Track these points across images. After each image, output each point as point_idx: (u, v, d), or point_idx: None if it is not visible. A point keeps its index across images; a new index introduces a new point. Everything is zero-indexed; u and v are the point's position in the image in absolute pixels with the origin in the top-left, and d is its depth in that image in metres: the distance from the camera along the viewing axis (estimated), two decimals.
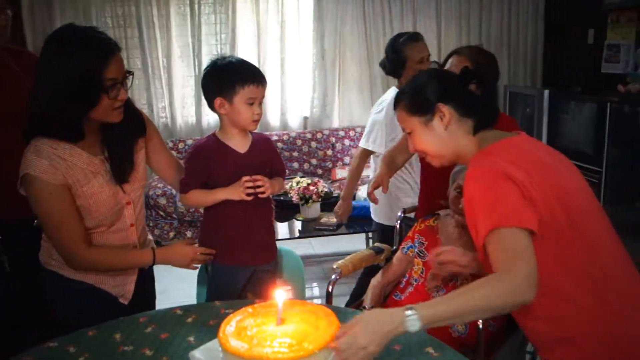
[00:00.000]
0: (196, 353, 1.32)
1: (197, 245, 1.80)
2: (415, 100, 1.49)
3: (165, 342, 1.48)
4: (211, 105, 1.89)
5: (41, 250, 1.70)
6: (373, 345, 1.17)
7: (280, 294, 1.34)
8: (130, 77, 1.55)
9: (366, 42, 5.22)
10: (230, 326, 1.31)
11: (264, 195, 1.90)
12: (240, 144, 1.94)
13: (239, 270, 2.00)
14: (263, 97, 1.88)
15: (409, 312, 1.18)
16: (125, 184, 1.68)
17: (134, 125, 1.70)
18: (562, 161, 1.46)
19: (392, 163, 2.36)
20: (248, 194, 1.85)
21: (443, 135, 1.48)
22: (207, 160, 1.92)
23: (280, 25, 5.09)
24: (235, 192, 1.86)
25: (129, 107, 1.63)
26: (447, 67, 2.18)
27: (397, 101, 1.54)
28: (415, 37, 2.86)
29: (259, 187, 1.87)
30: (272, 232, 2.10)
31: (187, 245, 1.73)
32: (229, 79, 1.84)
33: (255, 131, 2.00)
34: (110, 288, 1.72)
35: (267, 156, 2.00)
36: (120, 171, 1.64)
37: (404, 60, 2.81)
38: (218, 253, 1.99)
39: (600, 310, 1.32)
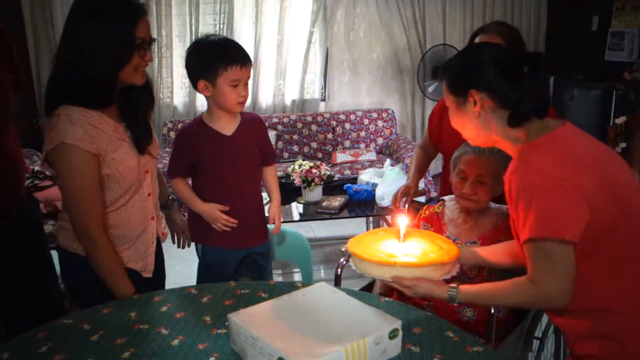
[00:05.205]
0: (233, 316, 1.31)
1: None
2: (453, 80, 1.45)
3: (180, 321, 1.47)
4: (195, 87, 1.84)
5: (62, 233, 1.67)
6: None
7: (402, 217, 1.55)
8: (154, 43, 1.59)
9: (370, 26, 5.16)
10: (355, 242, 1.53)
11: (275, 232, 2.08)
12: (226, 126, 1.90)
13: (229, 253, 1.98)
14: (248, 78, 1.82)
15: (452, 289, 1.42)
16: (144, 153, 1.68)
17: (147, 95, 1.70)
18: (611, 154, 1.42)
19: (423, 165, 2.44)
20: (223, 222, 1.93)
21: (474, 120, 1.42)
22: (190, 144, 1.89)
23: (279, 3, 5.00)
24: (212, 220, 1.90)
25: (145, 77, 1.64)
26: None
27: (443, 73, 1.49)
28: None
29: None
30: (261, 214, 2.07)
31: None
32: (210, 60, 1.78)
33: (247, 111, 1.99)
34: (134, 264, 1.71)
35: (257, 137, 1.96)
36: (141, 139, 1.65)
37: None
38: (206, 235, 1.97)
39: None
